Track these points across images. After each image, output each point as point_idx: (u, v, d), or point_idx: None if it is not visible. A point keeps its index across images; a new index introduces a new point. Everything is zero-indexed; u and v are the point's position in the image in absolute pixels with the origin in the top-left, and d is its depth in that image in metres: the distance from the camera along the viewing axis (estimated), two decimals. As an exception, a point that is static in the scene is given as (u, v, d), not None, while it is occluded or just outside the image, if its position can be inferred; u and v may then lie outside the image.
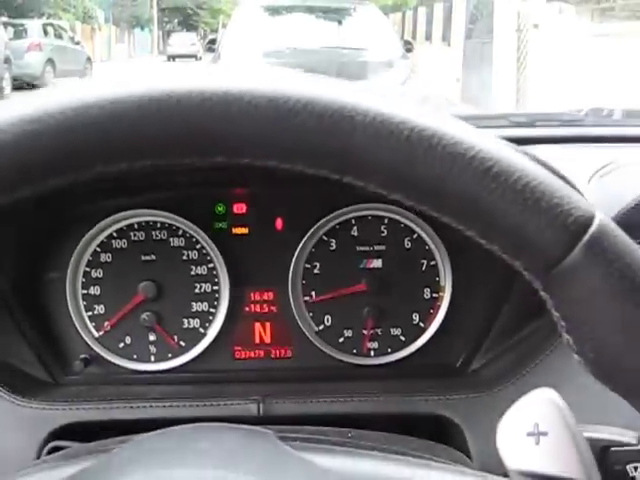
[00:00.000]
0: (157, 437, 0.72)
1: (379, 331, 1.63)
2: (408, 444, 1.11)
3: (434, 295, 1.63)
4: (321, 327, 1.62)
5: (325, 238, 1.60)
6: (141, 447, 0.71)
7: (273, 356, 1.63)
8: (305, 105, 0.43)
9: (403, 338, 1.65)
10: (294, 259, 1.56)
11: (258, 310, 1.64)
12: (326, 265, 1.60)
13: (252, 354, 1.64)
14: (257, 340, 1.65)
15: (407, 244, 1.63)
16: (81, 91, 0.47)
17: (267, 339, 1.65)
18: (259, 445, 0.70)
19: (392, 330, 1.64)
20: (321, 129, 0.43)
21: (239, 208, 1.62)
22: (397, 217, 1.60)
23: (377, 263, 1.62)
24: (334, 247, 1.61)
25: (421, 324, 1.64)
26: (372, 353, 1.64)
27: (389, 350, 1.63)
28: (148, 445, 0.70)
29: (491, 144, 0.46)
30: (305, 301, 1.59)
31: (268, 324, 1.63)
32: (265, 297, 1.62)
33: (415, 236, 1.62)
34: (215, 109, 0.43)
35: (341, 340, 1.62)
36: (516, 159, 0.47)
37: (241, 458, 0.66)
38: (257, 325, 1.64)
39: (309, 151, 0.43)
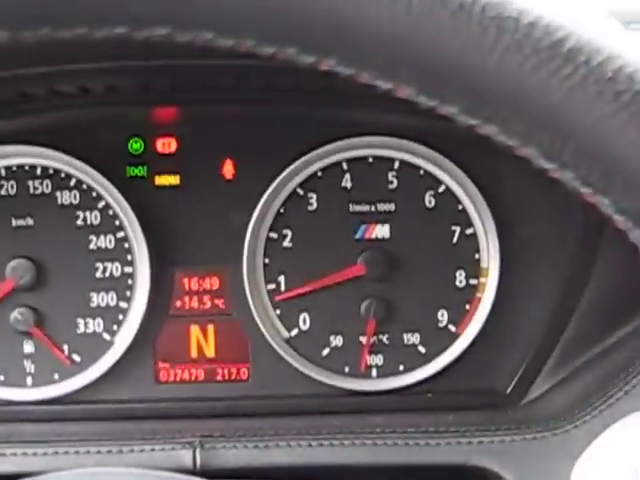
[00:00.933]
0: None
1: (385, 338, 1.22)
2: None
3: (471, 282, 1.21)
4: (294, 333, 1.21)
5: (300, 192, 1.19)
6: None
7: (220, 378, 1.21)
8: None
9: (422, 350, 1.22)
10: (251, 225, 1.15)
11: (196, 306, 1.21)
12: (302, 235, 1.18)
13: (186, 375, 1.20)
14: (194, 353, 1.22)
15: (429, 201, 1.20)
16: None
17: (210, 351, 1.22)
18: None
19: (405, 337, 1.22)
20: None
21: (165, 146, 1.17)
22: (415, 160, 1.19)
23: (382, 231, 1.20)
24: (314, 206, 1.19)
25: (451, 328, 1.22)
26: (374, 373, 1.23)
27: (400, 368, 1.22)
28: None
29: None
30: (270, 292, 1.18)
31: (211, 328, 1.21)
32: (207, 285, 1.20)
33: (442, 189, 1.20)
34: None
35: (325, 352, 1.21)
36: None
37: None
38: (194, 330, 1.21)
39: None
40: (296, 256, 1.19)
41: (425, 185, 1.20)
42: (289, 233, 1.19)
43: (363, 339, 1.21)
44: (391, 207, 1.21)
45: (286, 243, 1.20)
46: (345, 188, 1.20)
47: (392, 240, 1.20)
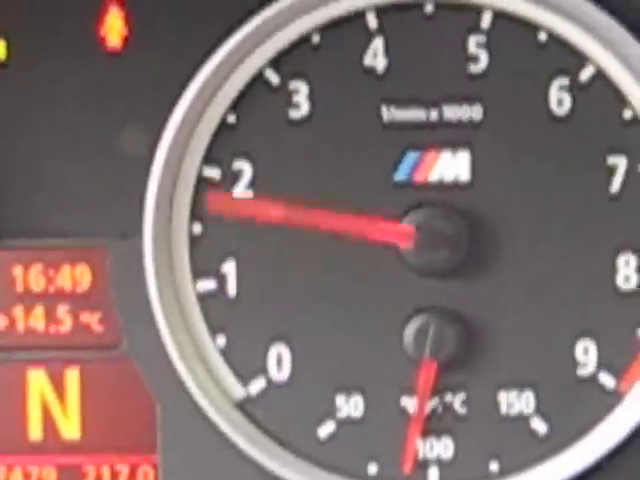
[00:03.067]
0: None
1: (457, 402, 0.61)
2: None
3: None
4: (258, 387, 0.61)
5: (272, 78, 0.60)
6: None
7: None
8: None
9: (541, 426, 0.61)
10: (164, 155, 0.59)
11: (40, 328, 0.61)
12: (277, 167, 0.61)
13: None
14: (35, 433, 0.62)
15: (558, 101, 0.60)
16: None
17: (69, 429, 0.62)
18: None
19: (503, 399, 0.61)
20: None
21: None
22: (529, 10, 0.58)
23: (452, 168, 0.60)
24: (303, 110, 0.60)
25: (604, 380, 0.61)
26: (432, 477, 0.61)
27: (492, 468, 0.61)
28: None
29: None
30: (203, 297, 0.61)
31: (73, 377, 0.62)
32: (63, 282, 0.61)
33: (588, 75, 0.59)
34: None
35: (325, 433, 0.61)
36: None
37: None
38: (35, 380, 0.62)
39: None
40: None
41: (557, 66, 0.59)
42: (246, 170, 0.60)
43: (408, 403, 0.60)
44: (474, 113, 0.59)
45: (240, 192, 0.61)
46: (372, 70, 0.59)
47: (475, 187, 0.58)
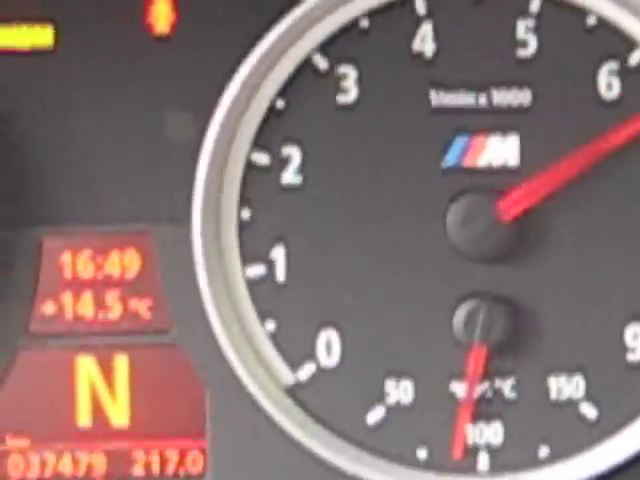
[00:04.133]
0: None
1: (507, 387, 0.61)
2: None
3: None
4: (307, 373, 0.61)
5: (321, 64, 0.60)
6: None
7: (140, 474, 0.61)
8: None
9: (592, 411, 0.61)
10: (214, 139, 0.59)
11: (88, 314, 0.61)
12: (324, 158, 0.60)
13: (66, 467, 0.61)
14: (83, 419, 0.61)
15: (608, 85, 0.59)
16: None
17: (118, 416, 0.61)
18: None
19: (553, 384, 0.60)
20: None
21: None
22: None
23: (503, 152, 0.60)
24: (352, 95, 0.60)
25: None
26: (482, 463, 0.61)
27: (542, 453, 0.61)
28: None
29: None
30: (253, 282, 0.60)
31: (122, 362, 0.61)
32: (113, 268, 0.61)
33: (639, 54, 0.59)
34: None
35: (374, 419, 0.61)
36: None
37: None
38: (83, 365, 0.61)
39: None
40: (311, 205, 0.60)
41: (606, 50, 0.59)
42: (295, 155, 0.60)
43: (458, 388, 0.60)
44: (523, 97, 0.59)
45: (288, 177, 0.60)
46: (420, 55, 0.59)
47: (524, 172, 0.60)
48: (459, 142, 0.59)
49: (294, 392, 0.60)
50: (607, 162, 0.59)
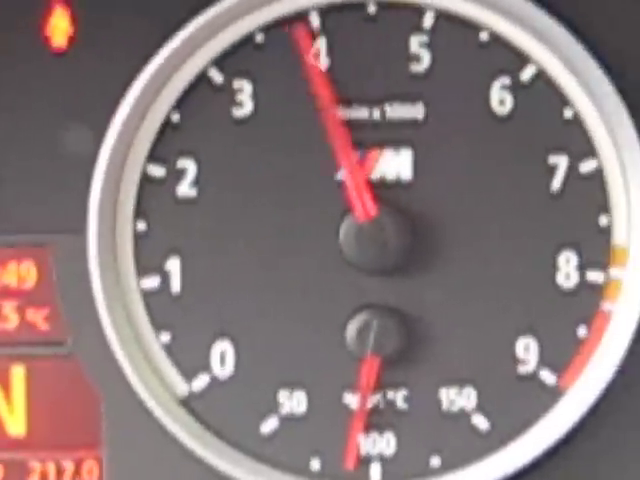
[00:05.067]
0: None
1: (399, 398, 0.61)
2: None
3: (590, 278, 0.61)
4: (201, 383, 0.61)
5: (216, 78, 0.60)
6: None
7: None
8: None
9: (483, 423, 0.61)
10: (108, 153, 0.60)
11: None
12: (220, 172, 0.61)
13: None
14: None
15: (500, 100, 0.60)
16: None
17: (16, 425, 0.62)
18: None
19: (445, 395, 0.61)
20: None
21: None
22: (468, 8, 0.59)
23: (394, 166, 0.60)
24: (247, 108, 0.61)
25: (544, 377, 0.61)
26: (374, 474, 0.61)
27: (432, 463, 0.61)
28: None
29: None
30: (148, 294, 0.61)
31: (18, 374, 0.61)
32: (9, 279, 0.61)
33: (529, 75, 0.60)
34: None
35: (268, 428, 0.62)
36: None
37: None
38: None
39: None
40: (206, 218, 0.61)
41: (499, 66, 0.60)
42: (191, 168, 0.60)
43: (351, 399, 0.61)
44: (416, 112, 0.60)
45: (184, 190, 0.60)
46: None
47: (417, 186, 0.60)
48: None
49: (188, 403, 0.60)
50: (497, 177, 0.60)
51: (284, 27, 0.59)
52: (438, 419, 0.60)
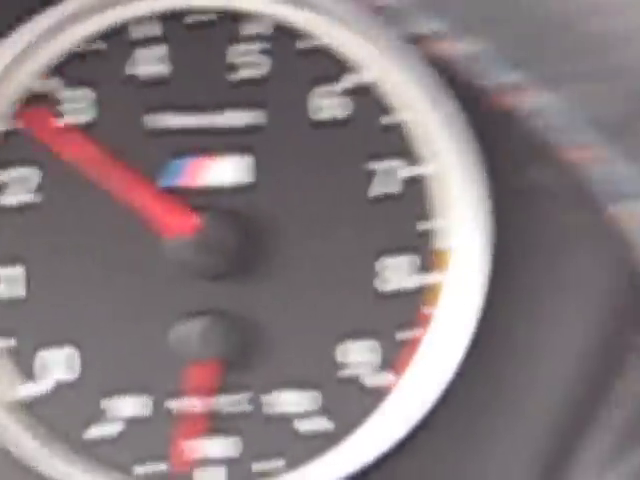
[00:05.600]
0: None
1: (244, 403, 0.62)
2: None
3: (417, 279, 0.62)
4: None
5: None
6: None
7: None
8: None
9: (327, 421, 0.63)
10: None
11: None
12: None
13: None
14: None
15: (344, 109, 0.61)
16: None
17: None
18: None
19: (284, 398, 0.62)
20: None
21: None
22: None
23: (229, 172, 0.61)
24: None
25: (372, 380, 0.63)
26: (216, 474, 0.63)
27: (279, 463, 0.63)
28: None
29: None
30: None
31: None
32: None
33: (351, 78, 0.61)
34: None
35: (90, 433, 0.63)
36: None
37: None
38: None
39: None
40: (48, 224, 0.62)
41: (318, 73, 0.61)
42: (33, 175, 0.62)
43: (181, 404, 0.62)
44: (238, 119, 0.61)
45: (26, 196, 0.62)
46: (135, 78, 0.60)
47: (245, 193, 0.61)
48: (177, 164, 0.60)
49: (15, 409, 0.61)
50: (319, 183, 0.60)
51: (104, 37, 0.59)
52: (277, 422, 0.61)
